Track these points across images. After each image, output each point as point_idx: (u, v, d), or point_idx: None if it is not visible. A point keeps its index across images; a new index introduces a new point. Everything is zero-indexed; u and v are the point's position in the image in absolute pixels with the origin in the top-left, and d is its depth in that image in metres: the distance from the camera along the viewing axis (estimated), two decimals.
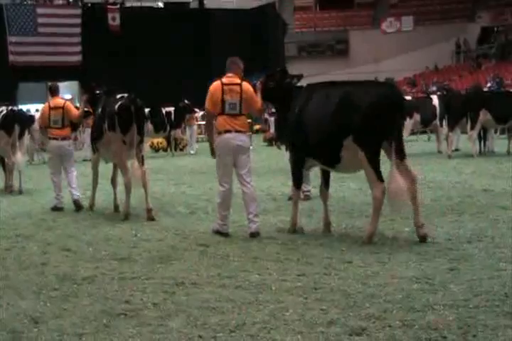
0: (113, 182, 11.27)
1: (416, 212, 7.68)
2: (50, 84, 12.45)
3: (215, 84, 8.52)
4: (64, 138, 11.51)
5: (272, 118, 26.88)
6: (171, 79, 37.98)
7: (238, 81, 8.53)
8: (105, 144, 10.56)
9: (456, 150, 20.05)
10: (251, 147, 9.41)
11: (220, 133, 8.46)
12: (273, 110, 12.28)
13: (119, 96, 10.50)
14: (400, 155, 7.61)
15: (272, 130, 24.68)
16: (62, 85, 39.60)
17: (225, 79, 8.54)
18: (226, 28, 44.41)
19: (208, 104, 8.59)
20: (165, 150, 25.22)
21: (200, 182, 14.04)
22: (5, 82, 34.30)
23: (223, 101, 8.39)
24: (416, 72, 46.55)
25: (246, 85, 8.57)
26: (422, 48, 47.03)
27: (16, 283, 6.43)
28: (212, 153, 8.68)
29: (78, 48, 41.82)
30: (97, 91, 11.46)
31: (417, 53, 47.10)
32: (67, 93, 31.98)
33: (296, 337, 4.64)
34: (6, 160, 14.09)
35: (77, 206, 11.28)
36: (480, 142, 19.50)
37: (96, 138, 10.88)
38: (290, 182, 11.88)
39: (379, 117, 7.56)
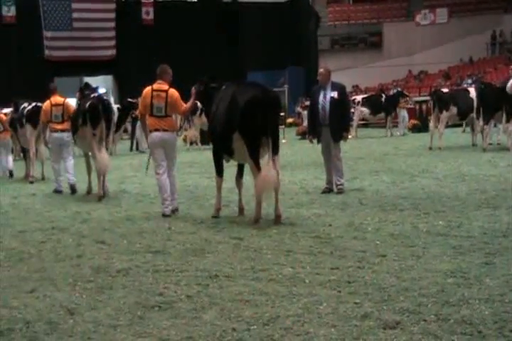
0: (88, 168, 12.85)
1: (277, 203, 8.76)
2: (50, 84, 14.02)
3: (146, 90, 9.78)
4: (63, 131, 12.93)
5: (305, 112, 26.80)
6: (203, 74, 38.11)
7: (166, 88, 9.75)
8: (80, 137, 12.37)
9: (498, 144, 19.83)
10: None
11: (151, 131, 9.77)
12: (306, 104, 12.42)
13: (91, 95, 12.41)
14: (274, 150, 8.69)
15: (305, 123, 24.63)
16: (97, 79, 40.05)
17: (155, 86, 9.79)
18: (259, 21, 44.37)
19: (140, 106, 10.10)
20: (195, 143, 24.87)
21: (233, 176, 13.99)
22: (40, 77, 34.56)
23: (152, 105, 9.67)
24: (450, 64, 45.95)
25: (171, 91, 9.76)
26: (457, 40, 46.43)
27: (51, 274, 6.51)
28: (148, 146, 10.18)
29: (112, 42, 42.15)
30: (86, 92, 12.99)
31: (452, 45, 46.50)
32: (102, 87, 32.26)
33: (329, 330, 4.62)
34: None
35: (72, 189, 12.86)
36: None
37: (74, 131, 12.60)
38: (323, 176, 11.92)
39: (254, 115, 8.64)
